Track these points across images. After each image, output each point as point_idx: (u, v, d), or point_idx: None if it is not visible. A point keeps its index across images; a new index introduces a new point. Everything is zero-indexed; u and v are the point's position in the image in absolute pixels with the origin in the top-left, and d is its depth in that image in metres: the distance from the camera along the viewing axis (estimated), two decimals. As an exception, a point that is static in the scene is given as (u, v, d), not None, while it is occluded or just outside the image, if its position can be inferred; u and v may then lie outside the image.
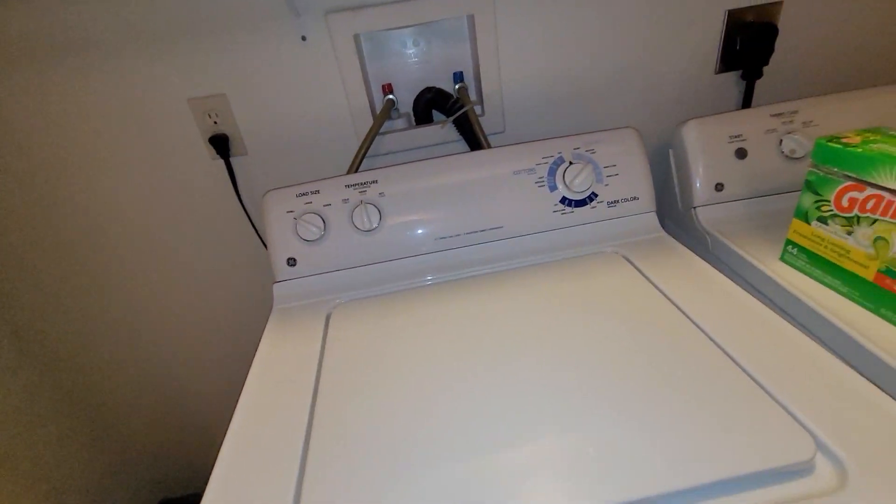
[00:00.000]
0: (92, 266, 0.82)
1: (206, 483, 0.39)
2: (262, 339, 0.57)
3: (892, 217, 0.44)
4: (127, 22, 0.65)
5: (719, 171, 0.69)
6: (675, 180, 0.74)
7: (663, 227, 0.68)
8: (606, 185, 0.68)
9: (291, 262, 0.65)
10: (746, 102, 0.81)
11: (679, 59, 0.78)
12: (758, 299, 0.56)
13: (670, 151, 0.74)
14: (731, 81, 0.81)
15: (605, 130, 0.69)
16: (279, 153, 0.77)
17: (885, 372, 0.42)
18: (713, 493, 0.33)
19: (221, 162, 0.76)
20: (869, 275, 0.47)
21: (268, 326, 0.60)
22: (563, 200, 0.67)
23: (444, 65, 0.78)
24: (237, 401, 0.47)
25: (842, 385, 0.40)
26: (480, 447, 0.38)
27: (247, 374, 0.51)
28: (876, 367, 0.43)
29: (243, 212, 0.79)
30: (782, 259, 0.57)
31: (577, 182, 0.65)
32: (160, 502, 1.13)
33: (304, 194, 0.66)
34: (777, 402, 0.39)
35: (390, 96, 0.77)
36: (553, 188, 0.67)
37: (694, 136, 0.69)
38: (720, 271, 0.62)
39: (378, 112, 0.76)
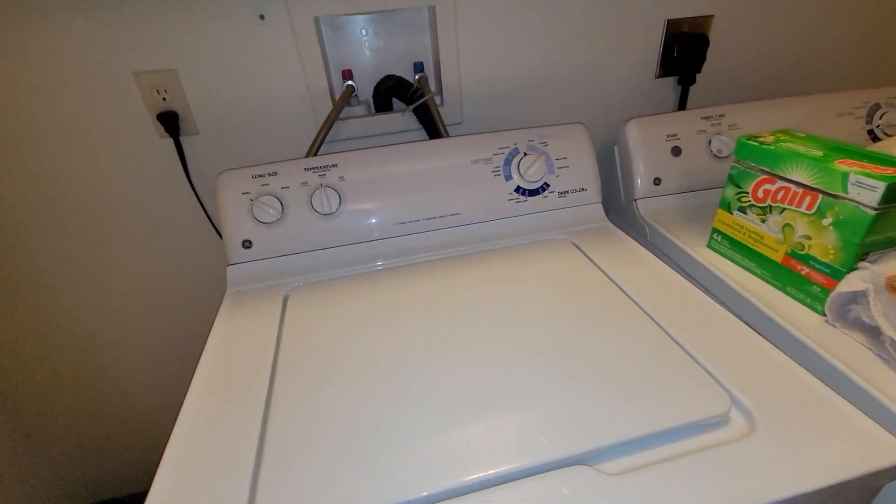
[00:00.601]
0: (21, 249, 0.76)
1: (146, 483, 0.38)
2: (216, 323, 0.56)
3: (797, 206, 0.50)
4: (65, -14, 0.61)
5: (657, 167, 0.75)
6: (619, 174, 0.79)
7: (608, 218, 0.73)
8: (558, 176, 0.72)
9: (247, 244, 0.64)
10: (682, 105, 0.88)
11: (624, 63, 0.84)
12: (685, 277, 0.62)
13: (615, 148, 0.80)
14: (669, 86, 0.88)
15: (558, 125, 0.73)
16: (233, 134, 0.75)
17: (789, 340, 0.48)
18: (645, 445, 0.37)
19: (170, 140, 0.72)
20: (778, 257, 0.53)
21: (221, 310, 0.59)
22: (518, 189, 0.71)
23: (405, 54, 0.79)
24: (187, 388, 0.46)
25: (753, 350, 0.45)
26: (433, 414, 0.40)
27: (198, 360, 0.50)
28: (782, 337, 0.49)
29: (193, 194, 0.76)
30: (709, 246, 0.64)
31: (531, 172, 0.69)
32: (94, 504, 1.06)
33: (260, 175, 0.65)
34: (700, 365, 0.43)
35: (350, 82, 0.77)
36: (508, 177, 0.70)
37: (635, 135, 0.75)
38: (659, 256, 0.68)
39: (338, 97, 0.76)
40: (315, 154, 0.71)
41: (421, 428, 0.39)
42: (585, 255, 0.64)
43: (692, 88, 0.88)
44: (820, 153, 0.48)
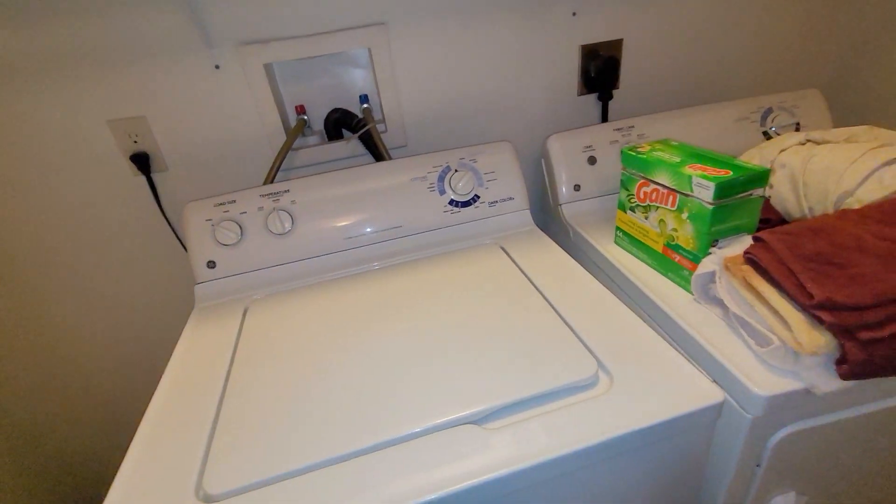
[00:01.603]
0: (9, 276, 0.85)
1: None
2: (183, 333, 0.65)
3: (665, 204, 0.60)
4: (48, 48, 0.70)
5: (577, 175, 0.85)
6: (546, 183, 0.89)
7: (544, 222, 0.83)
8: (487, 188, 0.81)
9: (211, 264, 0.73)
10: (604, 118, 0.99)
11: (549, 85, 0.95)
12: (600, 273, 0.72)
13: (542, 160, 0.90)
14: (591, 102, 0.98)
15: (485, 143, 0.83)
16: (199, 169, 0.84)
17: (662, 316, 0.58)
18: (528, 406, 0.46)
19: (143, 178, 0.82)
20: (659, 248, 0.63)
21: (188, 323, 0.67)
22: (451, 202, 0.80)
23: (352, 88, 0.90)
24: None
25: (625, 325, 0.54)
26: (357, 391, 0.49)
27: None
28: (659, 313, 0.58)
29: (167, 223, 0.86)
30: (615, 242, 0.73)
31: (461, 186, 0.79)
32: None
33: (221, 204, 0.74)
34: (580, 339, 0.53)
35: (303, 116, 0.87)
36: (442, 192, 0.80)
37: (556, 148, 0.85)
38: (580, 255, 0.78)
39: (291, 130, 0.86)
40: (271, 182, 0.81)
41: (345, 402, 0.48)
42: (509, 256, 0.73)
43: (611, 103, 0.98)
44: (678, 160, 0.58)
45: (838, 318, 0.40)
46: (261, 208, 0.75)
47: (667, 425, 0.43)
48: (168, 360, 0.60)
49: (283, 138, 0.85)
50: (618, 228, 0.71)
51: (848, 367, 0.41)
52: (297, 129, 0.84)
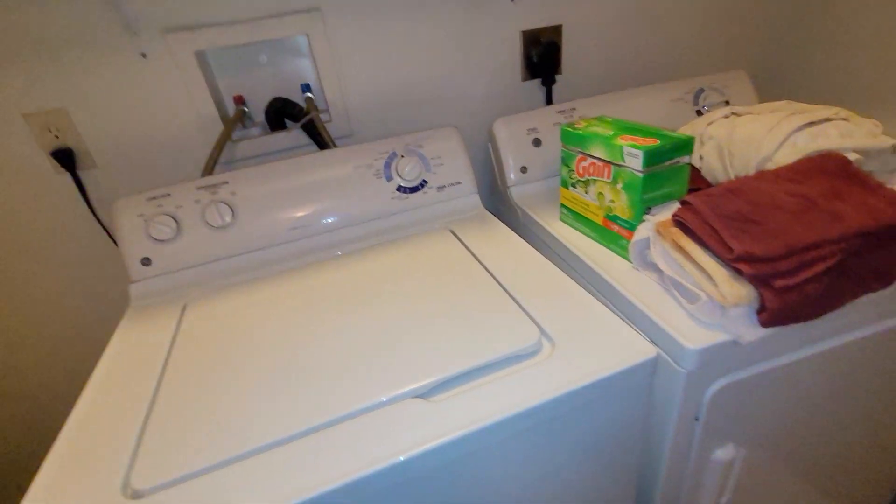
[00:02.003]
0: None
1: None
2: (115, 333, 0.61)
3: (602, 177, 0.61)
4: (-56, 40, 0.65)
5: (523, 158, 0.86)
6: (494, 167, 0.90)
7: (495, 205, 0.83)
8: (434, 173, 0.81)
9: (146, 261, 0.69)
10: (549, 103, 1.01)
11: (493, 70, 0.96)
12: (548, 250, 0.73)
13: (489, 145, 0.90)
14: (535, 87, 1.00)
15: (431, 129, 0.83)
16: (131, 164, 0.80)
17: (604, 284, 0.59)
18: (475, 376, 0.46)
19: (68, 175, 0.77)
20: (599, 220, 0.65)
21: (122, 322, 0.64)
22: (399, 188, 0.80)
23: (294, 77, 0.87)
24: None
25: (568, 295, 0.56)
26: (305, 373, 0.48)
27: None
28: (601, 282, 0.60)
29: (98, 223, 0.81)
30: (560, 219, 0.75)
31: (407, 172, 0.78)
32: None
33: (154, 198, 0.70)
34: (525, 311, 0.53)
35: (242, 107, 0.84)
36: (389, 178, 0.79)
37: (502, 132, 0.86)
38: (529, 235, 0.79)
39: (228, 121, 0.82)
40: (210, 174, 0.77)
41: (286, 388, 0.46)
42: (459, 239, 0.73)
43: (555, 88, 1.00)
44: (611, 133, 0.60)
45: (756, 269, 0.43)
46: (198, 201, 0.71)
47: (604, 383, 0.44)
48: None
49: (220, 129, 0.82)
50: (562, 206, 0.73)
51: (767, 315, 0.43)
52: (234, 120, 0.81)
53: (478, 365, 0.46)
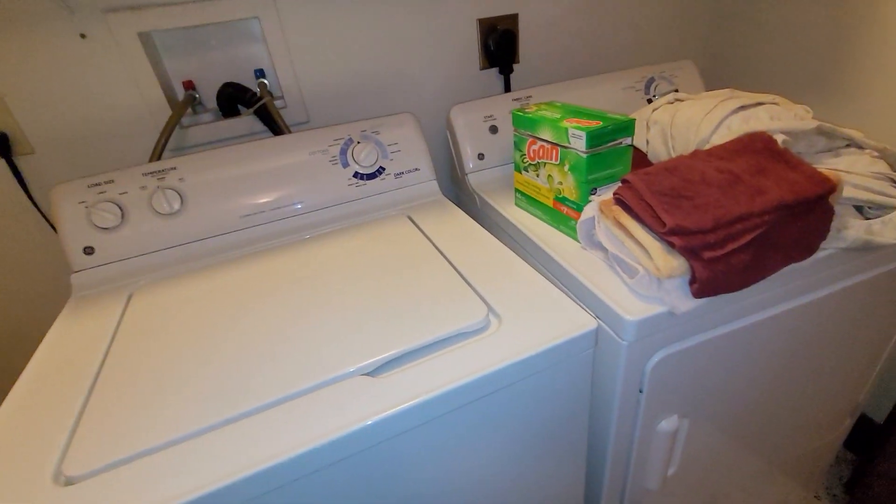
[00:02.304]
0: None
1: None
2: (55, 323, 0.59)
3: (550, 159, 0.63)
4: None
5: (480, 145, 0.87)
6: (453, 154, 0.90)
7: (455, 192, 0.84)
8: (391, 159, 0.81)
9: (88, 250, 0.67)
10: (507, 90, 1.02)
11: (451, 58, 0.96)
12: (504, 235, 0.74)
13: (447, 131, 0.91)
14: (493, 75, 1.01)
15: (387, 115, 0.82)
16: (73, 150, 0.77)
17: (553, 264, 0.61)
18: (425, 353, 0.47)
19: (2, 161, 0.73)
20: (550, 202, 0.66)
21: (62, 312, 0.61)
22: (356, 175, 0.79)
23: (246, 63, 0.85)
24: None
25: (517, 274, 0.57)
26: (255, 357, 0.47)
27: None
28: (551, 262, 0.61)
29: (37, 211, 0.77)
30: (515, 204, 0.76)
31: (364, 158, 0.78)
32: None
33: (97, 184, 0.68)
34: (476, 292, 0.54)
35: (190, 92, 0.82)
36: (345, 165, 0.78)
37: (459, 119, 0.86)
38: (486, 220, 0.80)
39: (177, 106, 0.80)
40: (158, 160, 0.75)
41: (233, 372, 0.46)
42: (415, 224, 0.74)
43: (513, 76, 1.01)
44: (558, 116, 0.61)
45: (686, 241, 0.45)
46: (144, 188, 0.69)
47: (546, 354, 0.45)
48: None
49: (168, 115, 0.79)
50: (516, 190, 0.74)
51: (698, 286, 0.46)
52: (183, 105, 0.79)
53: (425, 342, 0.47)
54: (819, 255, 0.54)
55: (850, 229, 0.53)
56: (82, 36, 0.71)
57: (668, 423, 0.60)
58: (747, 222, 0.45)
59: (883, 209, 0.55)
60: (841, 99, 0.95)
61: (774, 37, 1.04)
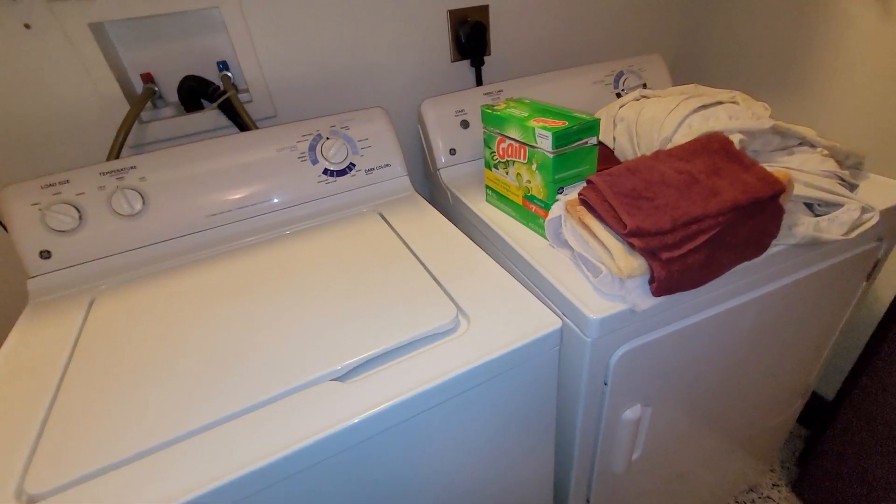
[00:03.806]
0: None
1: None
2: (11, 332, 0.57)
3: (519, 158, 0.63)
4: None
5: (451, 140, 0.86)
6: (424, 148, 0.90)
7: (428, 188, 0.83)
8: (362, 155, 0.80)
9: (45, 254, 0.64)
10: (479, 83, 1.02)
11: (421, 50, 0.95)
12: (475, 231, 0.74)
13: (419, 125, 0.90)
14: (465, 68, 1.00)
15: (358, 110, 0.81)
16: (22, 149, 0.73)
17: (522, 262, 0.62)
18: (394, 356, 0.47)
19: (-56, 161, 0.69)
20: (519, 200, 0.67)
21: (19, 320, 0.59)
22: (326, 171, 0.78)
23: (209, 55, 0.82)
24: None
25: (486, 273, 0.58)
26: (221, 363, 0.47)
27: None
28: (519, 260, 0.63)
29: (-12, 215, 0.73)
30: (486, 200, 0.77)
31: (333, 154, 0.77)
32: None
33: (51, 185, 0.65)
34: (446, 292, 0.55)
35: (149, 85, 0.78)
36: (315, 161, 0.77)
37: (430, 113, 0.85)
38: (458, 216, 0.80)
39: (135, 101, 0.77)
40: (116, 158, 0.72)
41: (199, 379, 0.45)
42: (386, 221, 0.74)
43: (484, 69, 1.01)
44: (526, 114, 0.62)
45: (646, 242, 0.46)
46: (102, 187, 0.66)
47: (513, 354, 0.46)
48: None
49: (126, 110, 0.76)
50: (487, 187, 0.75)
51: (656, 285, 0.47)
52: (142, 99, 0.76)
53: (395, 345, 0.47)
54: (771, 250, 0.56)
55: (799, 226, 0.56)
56: (26, 26, 0.67)
57: (631, 412, 0.63)
58: (703, 223, 0.47)
59: (830, 206, 0.58)
60: (800, 96, 0.99)
61: (740, 34, 1.07)
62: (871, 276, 0.73)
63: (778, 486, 1.10)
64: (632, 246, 0.48)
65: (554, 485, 0.72)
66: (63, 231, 0.65)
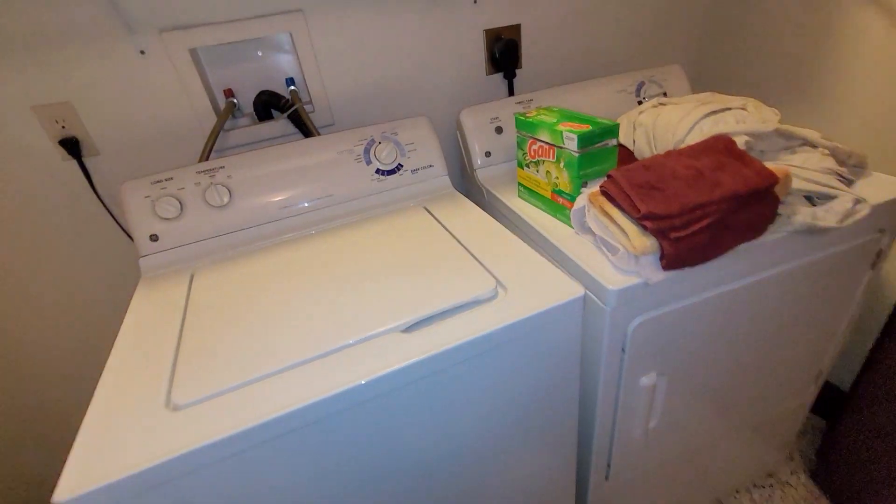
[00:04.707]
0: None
1: None
2: (133, 297, 0.70)
3: (548, 157, 0.73)
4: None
5: (487, 144, 0.97)
6: (463, 152, 1.01)
7: (465, 186, 0.94)
8: (408, 157, 0.92)
9: (154, 238, 0.78)
10: (511, 94, 1.12)
11: (460, 65, 1.06)
12: (508, 223, 0.84)
13: (458, 132, 1.01)
14: (499, 80, 1.11)
15: (405, 118, 0.93)
16: (132, 152, 0.88)
17: (550, 246, 0.71)
18: (445, 317, 0.58)
19: (74, 162, 0.84)
20: (548, 194, 0.77)
21: (137, 289, 0.73)
22: (378, 171, 0.90)
23: (279, 72, 0.96)
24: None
25: (520, 254, 0.68)
26: (309, 318, 0.58)
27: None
28: (548, 244, 0.72)
29: (102, 205, 0.88)
30: (518, 196, 0.87)
31: (384, 156, 0.89)
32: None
33: (158, 181, 0.79)
34: (486, 269, 0.65)
35: (231, 99, 0.92)
36: (369, 162, 0.89)
37: (468, 120, 0.97)
38: (493, 210, 0.90)
39: (220, 112, 0.91)
40: (206, 160, 0.86)
41: (292, 329, 0.57)
42: (431, 214, 0.85)
43: (516, 81, 1.12)
44: (554, 120, 0.72)
45: (657, 224, 0.55)
46: (198, 184, 0.80)
47: (543, 315, 0.56)
48: (115, 331, 0.65)
49: (213, 120, 0.90)
50: (519, 184, 0.85)
51: (666, 261, 0.56)
52: (226, 112, 0.90)
53: (447, 307, 0.58)
54: (774, 236, 0.65)
55: (798, 215, 0.64)
56: (141, 52, 0.82)
57: (647, 379, 0.71)
58: (707, 209, 0.56)
59: (828, 199, 0.66)
60: (810, 103, 1.05)
61: (755, 46, 1.14)
62: (874, 266, 0.79)
63: (797, 473, 1.14)
64: (645, 228, 0.57)
65: (578, 450, 0.81)
66: (168, 219, 0.78)
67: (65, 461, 0.45)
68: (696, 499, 1.10)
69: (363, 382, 0.49)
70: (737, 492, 1.13)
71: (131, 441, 0.46)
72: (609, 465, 0.84)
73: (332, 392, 0.48)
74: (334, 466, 0.54)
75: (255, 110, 0.95)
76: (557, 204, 0.75)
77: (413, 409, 0.55)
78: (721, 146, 0.62)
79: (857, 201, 0.64)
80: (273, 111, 0.96)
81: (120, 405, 0.50)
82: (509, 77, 1.10)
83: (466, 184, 1.06)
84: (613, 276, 0.61)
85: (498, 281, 0.62)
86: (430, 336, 0.54)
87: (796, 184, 0.64)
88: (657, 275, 0.58)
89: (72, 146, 0.82)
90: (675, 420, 0.83)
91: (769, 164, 0.61)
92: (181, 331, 0.61)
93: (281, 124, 0.96)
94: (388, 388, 0.51)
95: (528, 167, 0.80)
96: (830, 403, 1.20)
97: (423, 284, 0.63)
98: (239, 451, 0.47)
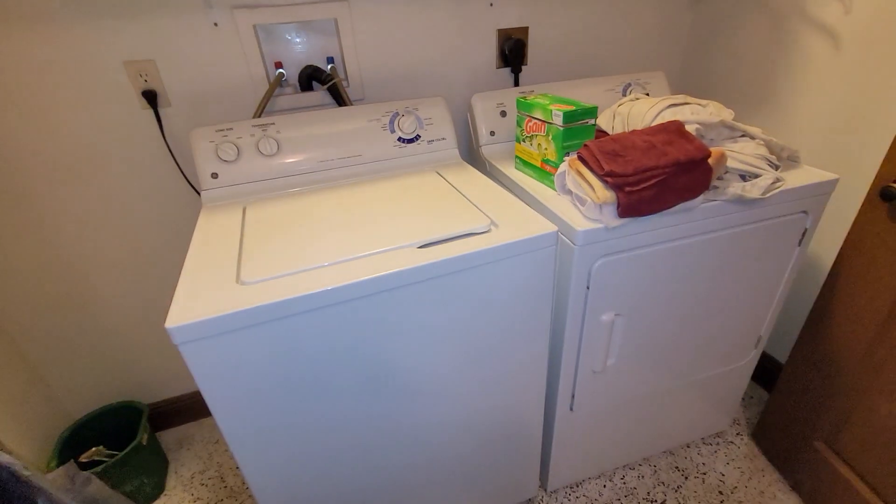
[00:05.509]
0: (30, 196, 1.01)
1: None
2: (199, 218, 0.87)
3: (540, 132, 0.91)
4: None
5: (492, 125, 1.15)
6: (471, 130, 1.19)
7: (470, 160, 1.12)
8: (426, 130, 1.10)
9: (214, 175, 0.96)
10: (516, 85, 1.30)
11: (475, 58, 1.24)
12: (504, 186, 1.01)
13: (468, 113, 1.19)
14: (507, 73, 1.29)
15: (425, 97, 1.11)
16: (197, 107, 1.05)
17: (537, 203, 0.89)
18: (454, 240, 0.75)
19: (150, 111, 1.01)
20: (538, 164, 0.94)
21: (201, 214, 0.90)
22: (400, 139, 1.08)
23: (321, 51, 1.14)
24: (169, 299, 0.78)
25: (511, 205, 0.85)
26: (343, 236, 0.76)
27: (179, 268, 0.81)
28: (535, 202, 0.90)
29: (167, 149, 1.06)
30: (515, 167, 1.04)
31: (406, 127, 1.06)
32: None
33: (221, 130, 0.96)
34: (483, 212, 0.82)
35: (280, 70, 1.10)
36: (392, 131, 1.07)
37: (478, 104, 1.14)
38: (493, 178, 1.07)
39: (271, 81, 1.09)
40: (259, 117, 1.03)
41: (330, 241, 0.74)
42: (442, 176, 1.02)
43: (522, 75, 1.30)
44: (547, 102, 0.89)
45: (615, 180, 0.73)
46: (252, 135, 0.98)
47: (525, 242, 0.74)
48: (169, 254, 0.82)
49: (265, 87, 1.08)
50: (516, 157, 1.02)
51: (621, 209, 0.74)
52: (276, 80, 1.07)
53: (453, 235, 0.75)
54: (712, 203, 0.82)
55: (730, 188, 0.81)
56: (215, 24, 0.99)
57: (606, 317, 0.88)
58: (654, 171, 0.73)
59: (756, 177, 0.83)
60: (768, 110, 1.23)
61: (726, 62, 1.32)
62: (801, 243, 0.96)
63: (741, 435, 1.30)
64: (606, 183, 0.74)
65: (548, 379, 0.97)
66: (227, 161, 0.96)
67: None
68: (651, 445, 1.26)
69: (389, 273, 0.67)
70: (687, 446, 1.30)
71: (214, 298, 0.63)
72: (573, 396, 1.01)
73: (364, 278, 0.65)
74: (354, 343, 0.71)
75: (298, 81, 1.13)
76: (545, 171, 0.93)
77: (421, 305, 0.72)
78: (674, 128, 0.80)
79: (777, 179, 0.81)
80: (314, 83, 1.14)
81: (202, 280, 0.67)
82: (516, 71, 1.28)
83: (472, 158, 1.23)
84: (582, 222, 0.78)
85: (492, 220, 0.80)
86: (438, 252, 0.72)
87: (731, 164, 0.82)
88: (615, 221, 0.76)
89: (151, 98, 1.00)
90: (632, 361, 1.00)
91: (712, 147, 0.79)
92: (241, 239, 0.78)
93: (320, 95, 1.13)
94: (405, 282, 0.68)
95: (524, 141, 0.97)
96: (772, 376, 1.36)
97: (434, 220, 0.80)
98: (290, 313, 0.64)
